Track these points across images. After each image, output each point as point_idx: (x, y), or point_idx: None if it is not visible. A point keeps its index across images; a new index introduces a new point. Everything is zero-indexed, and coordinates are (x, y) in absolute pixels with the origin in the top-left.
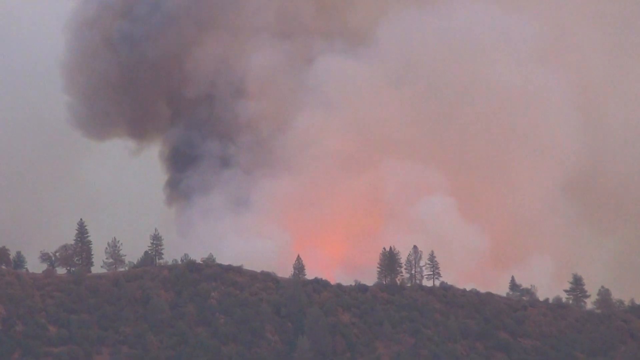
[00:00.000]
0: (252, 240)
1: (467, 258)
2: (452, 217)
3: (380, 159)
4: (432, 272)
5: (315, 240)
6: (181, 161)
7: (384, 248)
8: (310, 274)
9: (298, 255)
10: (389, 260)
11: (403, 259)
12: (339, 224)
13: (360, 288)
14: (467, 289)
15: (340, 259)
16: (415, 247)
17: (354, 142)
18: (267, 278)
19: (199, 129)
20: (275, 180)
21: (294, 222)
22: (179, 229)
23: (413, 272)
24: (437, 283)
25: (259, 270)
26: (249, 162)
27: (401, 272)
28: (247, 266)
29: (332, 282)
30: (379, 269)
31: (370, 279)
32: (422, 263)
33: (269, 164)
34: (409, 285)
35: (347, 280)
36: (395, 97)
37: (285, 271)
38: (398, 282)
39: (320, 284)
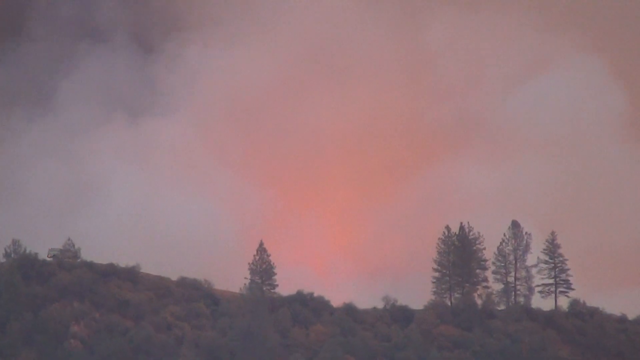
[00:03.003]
0: (160, 200)
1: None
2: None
3: None
4: (553, 278)
5: (300, 202)
6: None
7: (447, 227)
8: (287, 284)
9: (261, 242)
10: (460, 251)
11: (490, 250)
12: (348, 148)
13: (397, 314)
14: (631, 316)
15: (350, 247)
16: (515, 223)
17: None
18: (195, 293)
19: None
20: (203, 48)
21: (251, 159)
22: None
23: (511, 278)
24: (565, 303)
25: (174, 277)
26: (145, 21)
27: (484, 279)
28: (150, 267)
29: (335, 302)
30: (437, 273)
31: (416, 294)
32: (531, 260)
33: (192, 20)
34: (501, 307)
35: (367, 298)
36: None
37: (233, 277)
38: (478, 302)
39: (309, 306)
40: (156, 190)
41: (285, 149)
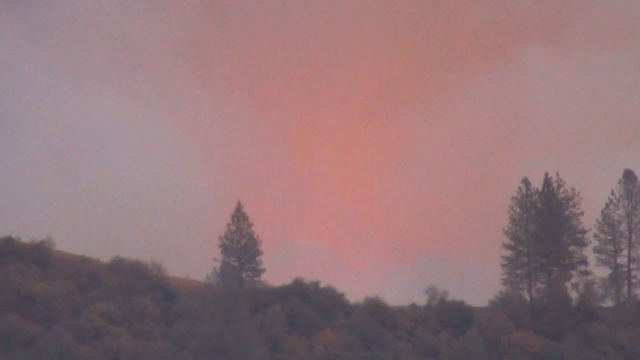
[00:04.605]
0: (85, 131)
1: None
2: None
3: None
4: None
5: (299, 142)
6: None
7: (524, 180)
8: (279, 268)
9: (239, 204)
10: (544, 217)
11: (590, 215)
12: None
13: (448, 314)
14: None
15: (375, 213)
16: (629, 174)
17: None
18: (137, 283)
19: None
20: None
21: (229, 67)
22: None
23: (623, 259)
24: None
25: (105, 258)
26: None
27: (581, 260)
28: (68, 243)
29: (354, 297)
30: (510, 251)
31: (477, 284)
32: None
33: None
34: (607, 304)
35: (401, 290)
36: None
37: (195, 258)
38: (573, 295)
39: (314, 302)
40: (80, 115)
41: (281, 53)
